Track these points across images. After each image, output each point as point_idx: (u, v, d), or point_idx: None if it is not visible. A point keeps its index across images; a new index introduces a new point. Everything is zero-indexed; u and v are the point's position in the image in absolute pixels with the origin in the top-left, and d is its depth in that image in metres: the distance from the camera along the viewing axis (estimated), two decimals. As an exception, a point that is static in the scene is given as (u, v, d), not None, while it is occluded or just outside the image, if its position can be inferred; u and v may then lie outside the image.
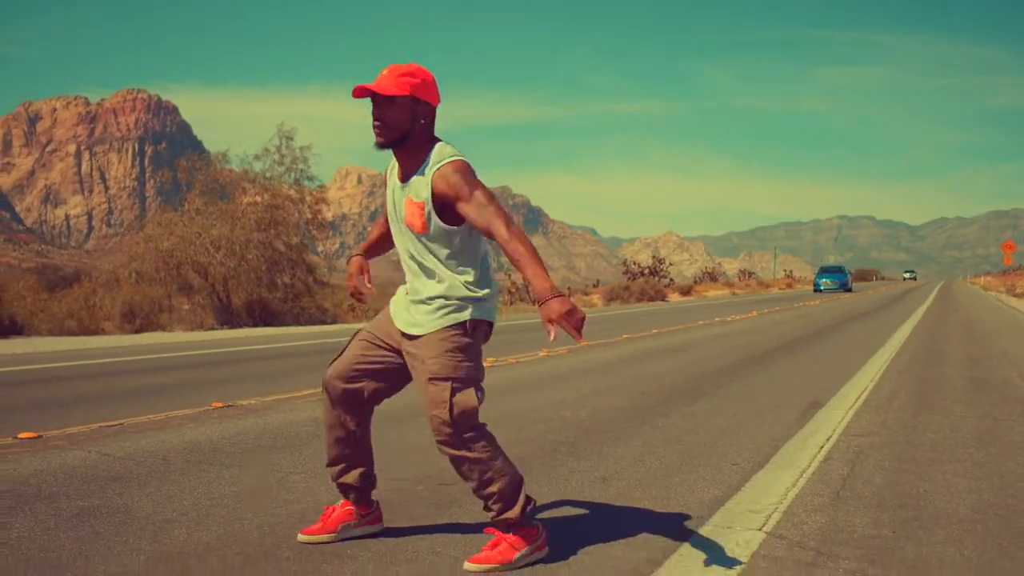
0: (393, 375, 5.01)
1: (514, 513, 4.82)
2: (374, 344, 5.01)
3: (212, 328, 29.93)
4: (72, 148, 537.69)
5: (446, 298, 4.79)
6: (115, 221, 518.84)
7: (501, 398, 10.46)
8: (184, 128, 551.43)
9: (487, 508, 4.88)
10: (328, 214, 39.19)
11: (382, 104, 4.70)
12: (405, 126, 4.72)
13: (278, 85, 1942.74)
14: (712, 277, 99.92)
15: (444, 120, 4.98)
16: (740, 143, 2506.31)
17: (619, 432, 8.72)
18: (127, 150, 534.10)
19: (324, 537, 5.07)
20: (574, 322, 4.38)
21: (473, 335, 4.82)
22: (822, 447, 7.95)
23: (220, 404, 10.18)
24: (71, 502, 5.94)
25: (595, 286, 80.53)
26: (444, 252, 4.81)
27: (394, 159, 4.92)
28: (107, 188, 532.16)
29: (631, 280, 68.34)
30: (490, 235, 4.65)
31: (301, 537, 5.08)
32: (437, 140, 4.83)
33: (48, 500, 5.99)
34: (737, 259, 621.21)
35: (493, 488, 4.80)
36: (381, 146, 4.76)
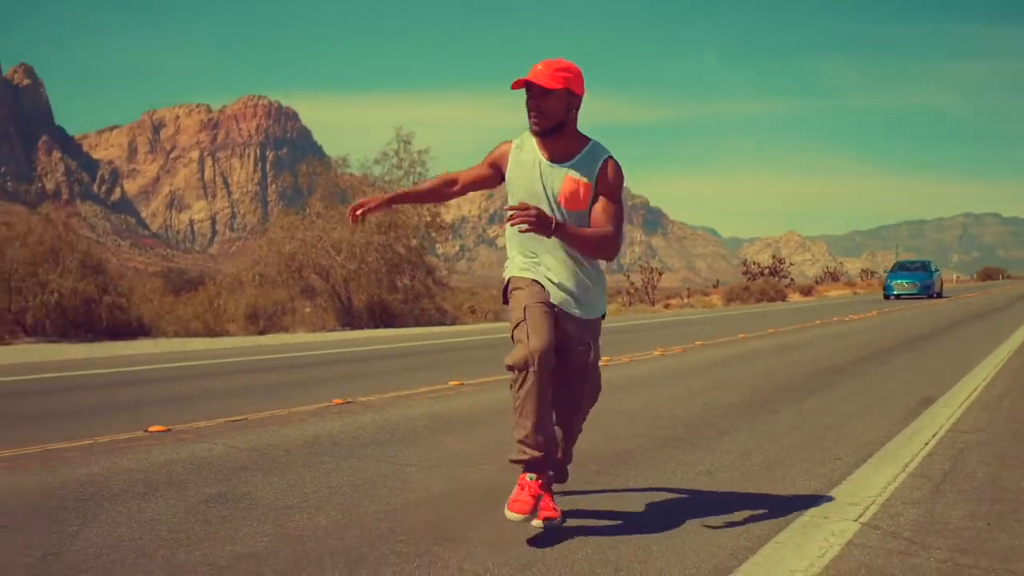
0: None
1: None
2: (549, 310, 5.26)
3: (334, 329, 30.50)
4: (195, 154, 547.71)
5: (600, 285, 5.49)
6: (238, 225, 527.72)
7: (615, 395, 10.61)
8: (304, 133, 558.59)
9: (564, 459, 5.65)
10: (447, 216, 39.67)
11: (540, 95, 5.19)
12: (560, 116, 5.23)
13: (398, 89, 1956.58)
14: (834, 277, 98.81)
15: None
16: (863, 140, 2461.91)
17: (727, 427, 8.89)
18: (248, 155, 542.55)
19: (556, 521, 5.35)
20: (532, 220, 4.99)
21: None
22: (927, 443, 8.03)
23: (340, 400, 10.55)
24: (199, 489, 6.30)
25: (715, 287, 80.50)
26: None
27: (525, 139, 5.42)
28: (230, 193, 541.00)
29: (751, 280, 68.09)
30: (598, 227, 5.26)
31: (536, 523, 5.26)
32: (587, 137, 5.38)
33: (178, 487, 6.36)
34: (860, 258, 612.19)
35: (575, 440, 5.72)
36: (538, 133, 5.28)
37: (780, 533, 5.22)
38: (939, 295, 53.88)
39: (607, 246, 5.24)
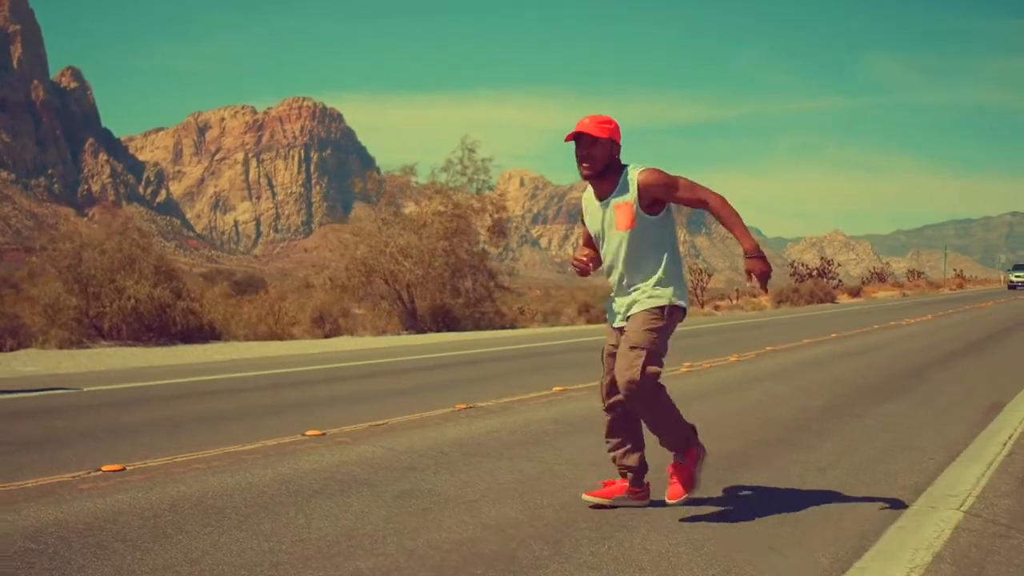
0: None
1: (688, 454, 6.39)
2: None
3: (398, 333, 31.37)
4: (240, 156, 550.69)
5: (652, 287, 6.32)
6: (282, 226, 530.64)
7: (707, 399, 11.66)
8: (348, 134, 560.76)
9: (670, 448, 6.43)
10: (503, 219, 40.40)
11: (589, 144, 6.26)
12: (605, 161, 6.30)
13: (446, 90, 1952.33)
14: (880, 278, 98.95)
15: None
16: (909, 139, 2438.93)
17: (821, 429, 9.91)
18: (293, 157, 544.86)
19: (603, 501, 6.58)
20: (765, 279, 6.16)
21: (669, 318, 6.32)
22: (1005, 444, 9.08)
23: (463, 406, 11.54)
24: (387, 487, 7.29)
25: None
26: (646, 247, 6.31)
27: (588, 194, 6.51)
28: (274, 194, 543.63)
29: (799, 282, 68.56)
30: (704, 205, 6.29)
31: (585, 497, 6.63)
32: (625, 165, 6.38)
33: (368, 486, 7.35)
34: (905, 258, 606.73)
35: (665, 432, 6.34)
36: (587, 177, 6.34)
37: (897, 520, 6.25)
38: None
39: (731, 206, 6.33)
